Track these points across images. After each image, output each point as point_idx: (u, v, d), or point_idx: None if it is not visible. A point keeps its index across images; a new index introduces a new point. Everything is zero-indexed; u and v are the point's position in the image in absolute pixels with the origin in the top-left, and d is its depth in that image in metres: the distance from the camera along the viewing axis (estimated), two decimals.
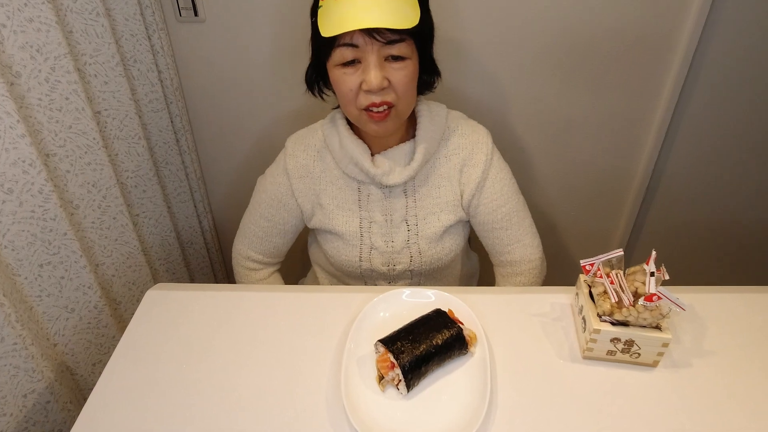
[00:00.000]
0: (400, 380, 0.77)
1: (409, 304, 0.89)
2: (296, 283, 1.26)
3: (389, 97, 0.85)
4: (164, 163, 1.29)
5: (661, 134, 1.29)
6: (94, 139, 1.02)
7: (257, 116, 1.31)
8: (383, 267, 1.03)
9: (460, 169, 0.98)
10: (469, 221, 1.05)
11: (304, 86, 0.94)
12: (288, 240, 1.10)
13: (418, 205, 0.99)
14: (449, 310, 0.86)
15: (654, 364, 0.81)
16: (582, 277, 0.87)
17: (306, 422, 0.74)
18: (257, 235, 1.07)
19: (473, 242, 1.22)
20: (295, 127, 1.07)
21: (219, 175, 1.44)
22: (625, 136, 1.32)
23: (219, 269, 1.59)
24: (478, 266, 1.27)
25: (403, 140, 0.97)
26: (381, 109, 0.85)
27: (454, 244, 1.03)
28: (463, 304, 0.88)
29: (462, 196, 1.00)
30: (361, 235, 1.00)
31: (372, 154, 0.96)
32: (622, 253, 0.81)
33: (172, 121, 1.26)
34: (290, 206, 1.03)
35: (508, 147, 1.33)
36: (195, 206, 1.41)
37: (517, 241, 1.04)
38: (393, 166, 0.94)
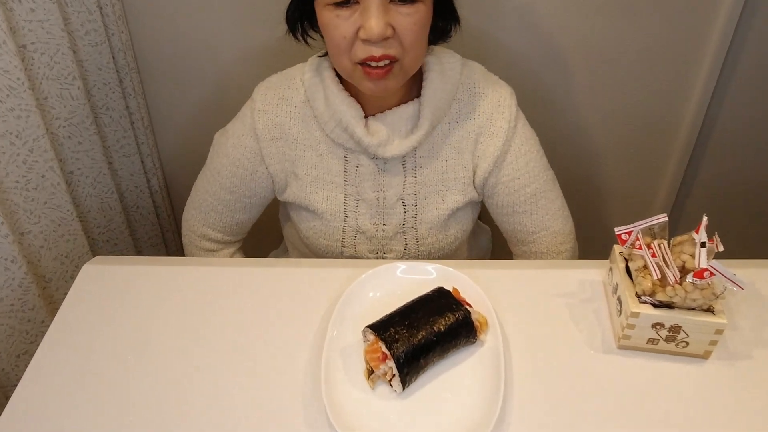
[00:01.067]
0: (393, 375, 0.76)
1: (405, 281, 0.88)
2: (266, 257, 1.26)
3: (392, 50, 0.81)
4: (104, 109, 1.27)
5: (714, 74, 1.27)
6: (18, 79, 1.01)
7: (218, 51, 1.28)
8: (370, 255, 1.03)
9: (475, 138, 0.96)
10: (481, 202, 1.04)
11: (279, 15, 0.90)
12: (254, 215, 1.09)
13: (419, 182, 0.97)
14: (454, 288, 0.85)
15: (705, 355, 0.81)
16: (617, 248, 0.86)
17: (277, 427, 0.73)
18: (216, 210, 1.05)
19: (485, 214, 1.17)
20: (266, 64, 1.06)
21: (171, 124, 1.41)
22: (672, 77, 1.30)
23: (171, 239, 1.57)
24: (490, 245, 1.26)
25: (405, 100, 0.93)
26: (381, 63, 0.82)
27: (460, 231, 1.03)
28: (471, 282, 0.87)
29: (475, 173, 0.98)
30: (345, 216, 0.99)
31: (365, 116, 0.93)
32: (666, 219, 0.81)
33: (114, 57, 1.24)
34: (259, 175, 1.00)
35: (536, 99, 1.31)
36: (142, 161, 1.39)
37: (544, 228, 1.02)
38: (391, 134, 0.92)
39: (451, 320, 0.79)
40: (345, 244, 1.02)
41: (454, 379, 0.78)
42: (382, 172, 0.96)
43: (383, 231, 1.01)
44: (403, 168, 0.96)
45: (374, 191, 0.98)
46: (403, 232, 1.01)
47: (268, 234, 1.37)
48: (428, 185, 0.98)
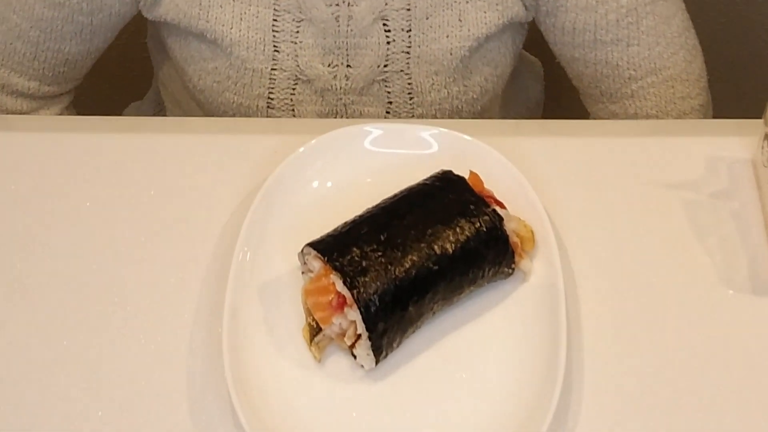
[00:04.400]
0: (358, 336, 0.70)
1: (380, 159, 0.85)
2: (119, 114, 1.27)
3: None
4: None
5: None
6: None
7: None
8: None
9: None
10: (531, 22, 1.04)
11: None
12: (96, 47, 1.05)
13: None
14: (472, 174, 0.79)
15: None
16: None
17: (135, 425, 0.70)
18: (27, 40, 1.01)
19: (534, 44, 1.15)
20: None
21: None
22: None
23: None
24: (541, 99, 1.26)
25: None
26: None
27: (491, 78, 1.02)
28: (505, 160, 0.82)
29: None
30: (276, 50, 0.97)
31: None
32: None
33: None
34: None
35: None
36: None
37: (651, 69, 1.00)
38: None
39: (468, 233, 0.73)
40: (274, 103, 1.01)
41: (471, 344, 0.75)
42: None
43: (347, 79, 0.99)
44: None
45: (330, 2, 0.95)
46: (384, 80, 0.99)
47: (123, 81, 1.40)
48: None
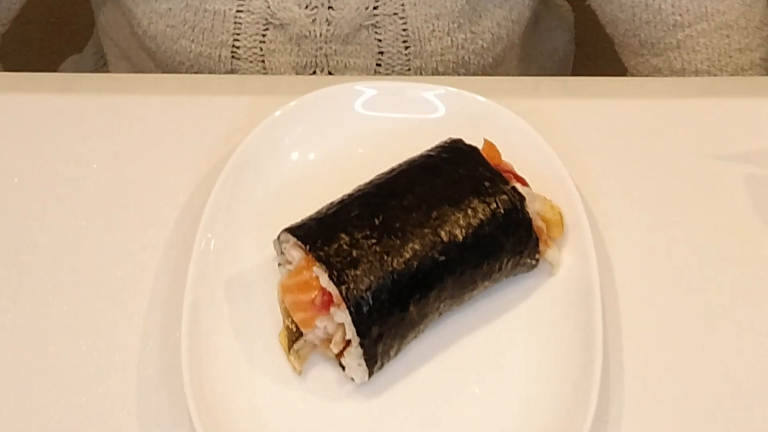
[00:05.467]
0: (347, 343, 0.68)
1: (375, 125, 0.84)
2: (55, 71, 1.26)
3: None
4: None
5: None
6: None
7: None
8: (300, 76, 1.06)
9: None
10: None
11: None
12: None
13: None
14: (487, 144, 0.77)
15: None
16: None
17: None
18: None
19: None
20: None
21: None
22: None
23: None
24: (570, 51, 1.27)
25: None
26: None
27: (503, 23, 1.01)
28: (528, 127, 0.80)
29: None
30: None
31: None
32: None
33: None
34: None
35: None
36: None
37: (702, 15, 0.98)
38: None
39: (482, 216, 0.71)
40: (239, 52, 1.00)
41: (487, 353, 0.72)
42: None
43: (328, 23, 0.98)
44: None
45: None
46: (373, 25, 0.98)
47: (58, 30, 1.46)
48: None
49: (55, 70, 1.28)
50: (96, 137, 0.85)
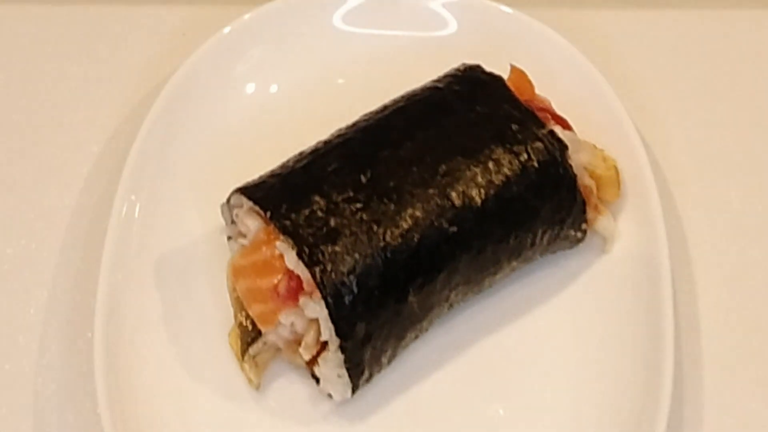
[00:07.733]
0: (322, 346, 0.67)
1: (361, 45, 0.84)
2: None
3: None
4: None
5: None
6: None
7: None
8: None
9: None
10: None
11: None
12: None
13: None
14: (514, 69, 0.76)
15: None
16: None
17: None
18: None
19: None
20: None
21: None
22: None
23: None
24: None
25: None
26: None
27: None
28: (569, 47, 0.79)
29: None
30: None
31: None
32: None
33: None
34: None
35: None
36: None
37: None
38: None
39: (508, 171, 0.71)
40: None
41: (516, 358, 0.71)
42: None
43: None
44: None
45: None
46: None
47: None
48: None
49: None
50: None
